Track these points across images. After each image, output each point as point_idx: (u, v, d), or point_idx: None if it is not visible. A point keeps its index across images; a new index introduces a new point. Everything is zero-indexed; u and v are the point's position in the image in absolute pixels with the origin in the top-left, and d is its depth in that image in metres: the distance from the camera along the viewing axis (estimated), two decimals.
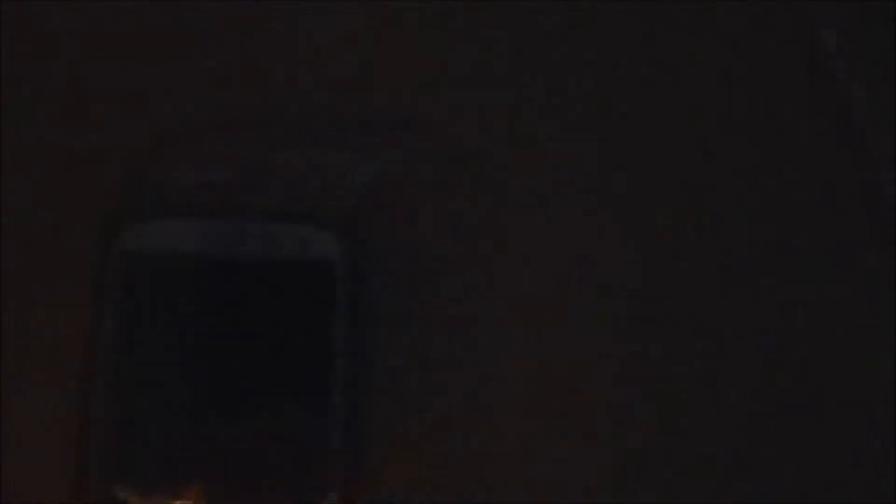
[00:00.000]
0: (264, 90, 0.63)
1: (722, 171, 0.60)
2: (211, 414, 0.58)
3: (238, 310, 0.59)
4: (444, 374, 0.59)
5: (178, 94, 0.63)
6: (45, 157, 0.64)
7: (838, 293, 0.58)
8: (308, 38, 0.63)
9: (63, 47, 0.64)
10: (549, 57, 0.62)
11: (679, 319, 0.58)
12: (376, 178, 0.62)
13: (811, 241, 0.59)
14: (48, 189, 0.64)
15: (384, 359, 0.59)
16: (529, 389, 0.59)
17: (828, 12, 0.60)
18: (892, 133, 0.59)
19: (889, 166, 0.59)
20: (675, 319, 0.58)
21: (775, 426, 0.57)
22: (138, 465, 0.57)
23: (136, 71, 0.64)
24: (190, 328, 0.59)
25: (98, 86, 0.64)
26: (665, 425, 0.57)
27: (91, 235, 0.59)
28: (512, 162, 0.62)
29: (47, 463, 0.59)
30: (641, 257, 0.59)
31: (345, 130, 0.64)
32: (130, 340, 0.58)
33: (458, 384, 0.59)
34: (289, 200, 0.60)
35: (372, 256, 0.60)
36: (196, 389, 0.58)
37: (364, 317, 0.59)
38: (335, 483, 0.56)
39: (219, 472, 0.57)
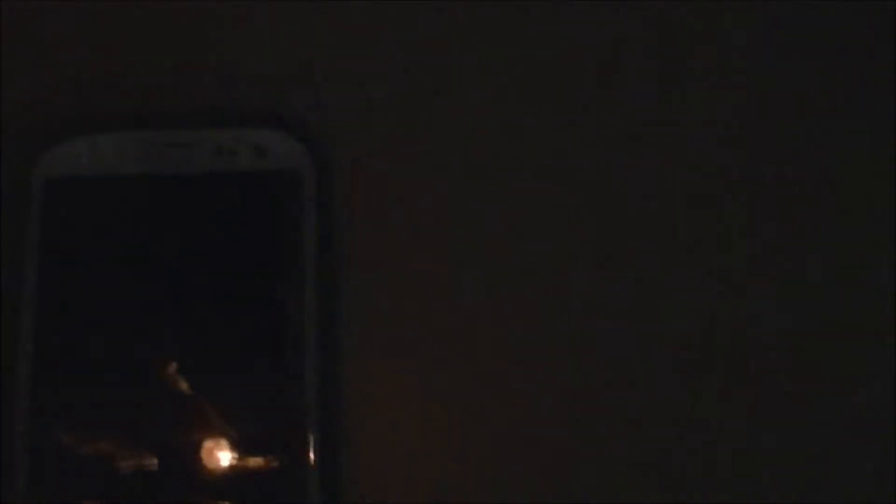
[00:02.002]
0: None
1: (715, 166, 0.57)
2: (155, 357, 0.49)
3: (187, 234, 0.50)
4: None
5: None
6: None
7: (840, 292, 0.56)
8: None
9: None
10: None
11: (671, 316, 0.55)
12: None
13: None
14: None
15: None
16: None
17: None
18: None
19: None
20: (668, 316, 0.55)
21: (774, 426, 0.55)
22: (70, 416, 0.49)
23: None
24: (131, 262, 0.50)
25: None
26: (659, 424, 0.54)
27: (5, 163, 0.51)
28: None
29: None
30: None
31: None
32: (58, 284, 0.49)
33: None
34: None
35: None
36: (142, 330, 0.50)
37: (338, 238, 0.51)
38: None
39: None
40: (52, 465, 0.48)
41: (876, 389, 0.55)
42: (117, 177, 0.50)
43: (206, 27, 0.55)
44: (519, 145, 0.56)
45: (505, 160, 0.56)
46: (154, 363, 0.49)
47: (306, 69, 0.55)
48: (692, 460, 0.54)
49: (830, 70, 0.57)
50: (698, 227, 0.56)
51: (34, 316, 0.49)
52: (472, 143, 0.56)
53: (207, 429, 0.49)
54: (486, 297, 0.54)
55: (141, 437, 0.48)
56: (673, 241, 0.56)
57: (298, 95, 0.54)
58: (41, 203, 0.50)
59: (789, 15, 0.58)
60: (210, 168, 0.50)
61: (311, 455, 0.48)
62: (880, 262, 0.56)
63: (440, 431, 0.53)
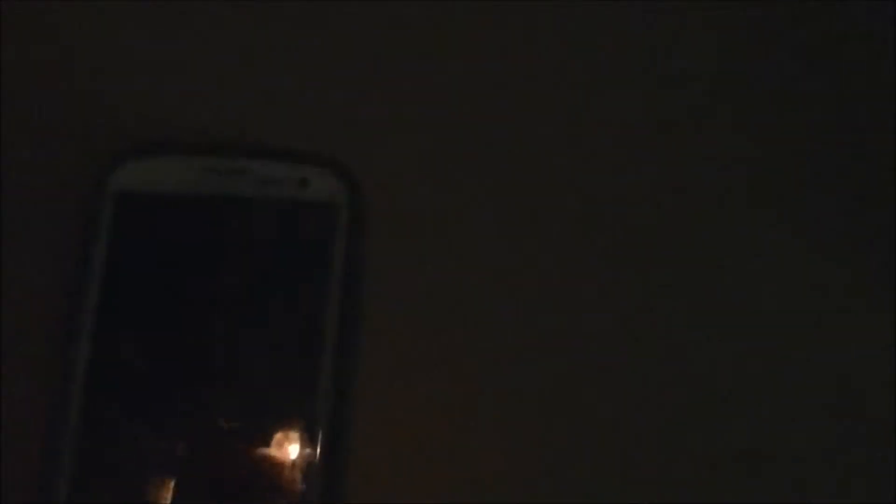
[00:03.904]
0: None
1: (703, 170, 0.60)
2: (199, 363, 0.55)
3: (230, 251, 0.56)
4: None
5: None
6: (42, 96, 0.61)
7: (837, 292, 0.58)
8: None
9: None
10: None
11: (671, 319, 0.58)
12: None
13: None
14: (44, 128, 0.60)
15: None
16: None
17: None
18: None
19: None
20: (667, 319, 0.58)
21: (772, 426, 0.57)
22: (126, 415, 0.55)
23: None
24: (182, 271, 0.56)
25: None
26: (659, 424, 0.56)
27: (83, 175, 0.56)
28: None
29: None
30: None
31: None
32: (120, 283, 0.56)
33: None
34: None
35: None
36: (186, 335, 0.56)
37: (363, 266, 0.56)
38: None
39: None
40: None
41: (876, 389, 0.56)
42: (178, 194, 0.57)
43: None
44: (549, 172, 0.60)
45: (532, 188, 0.60)
46: (191, 370, 0.55)
47: (351, 114, 0.61)
48: (691, 460, 0.55)
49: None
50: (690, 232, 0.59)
51: (98, 311, 0.55)
52: (501, 176, 0.60)
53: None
54: (517, 327, 0.58)
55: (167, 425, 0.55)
56: (673, 246, 0.59)
57: (341, 136, 0.60)
58: (111, 214, 0.56)
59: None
60: (257, 194, 0.57)
61: (318, 455, 0.54)
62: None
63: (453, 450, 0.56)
